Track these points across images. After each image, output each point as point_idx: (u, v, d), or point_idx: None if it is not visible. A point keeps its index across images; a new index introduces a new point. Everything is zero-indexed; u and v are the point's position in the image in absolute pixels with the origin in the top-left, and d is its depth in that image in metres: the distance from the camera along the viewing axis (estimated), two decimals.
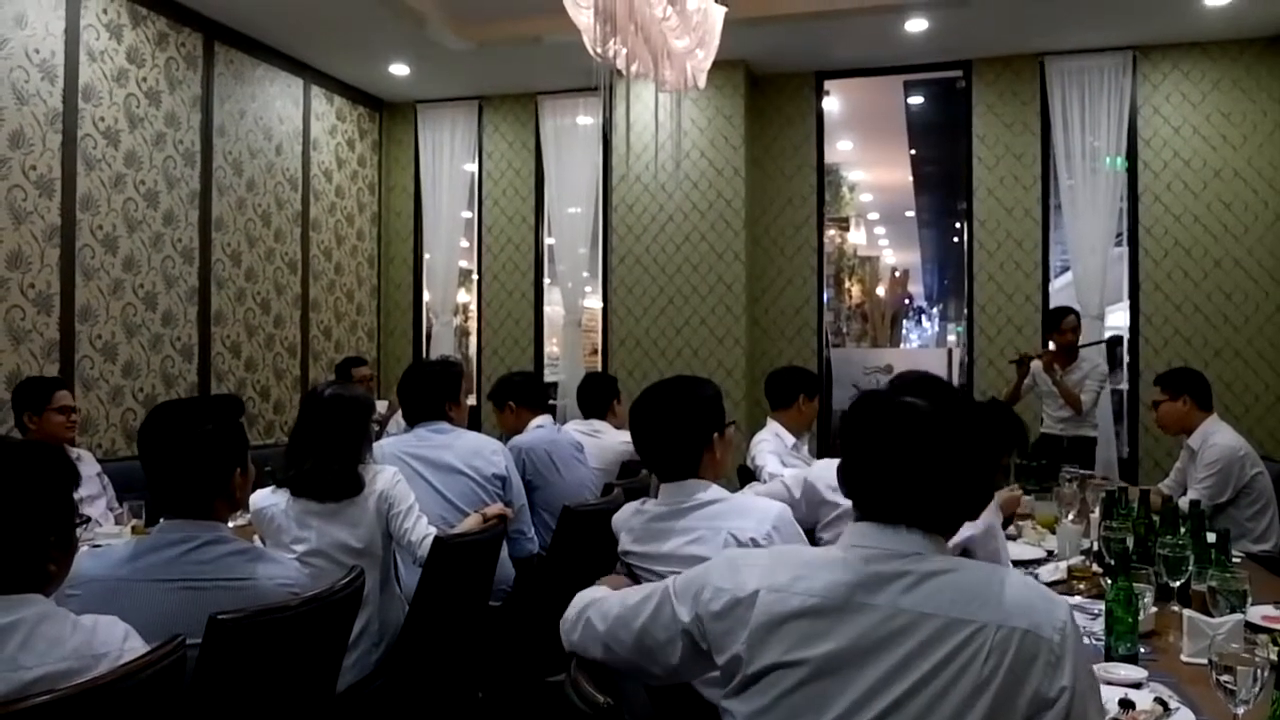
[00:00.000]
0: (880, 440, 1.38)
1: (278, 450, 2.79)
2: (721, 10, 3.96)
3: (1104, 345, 5.71)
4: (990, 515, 2.43)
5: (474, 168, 7.44)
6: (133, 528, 3.39)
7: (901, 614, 1.25)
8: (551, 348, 7.85)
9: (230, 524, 2.01)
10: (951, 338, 17.16)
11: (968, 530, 2.34)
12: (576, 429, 4.36)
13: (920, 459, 1.34)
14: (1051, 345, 5.38)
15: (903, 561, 1.30)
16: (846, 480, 1.42)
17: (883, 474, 1.36)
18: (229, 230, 5.96)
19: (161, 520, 1.94)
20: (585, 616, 1.56)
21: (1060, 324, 5.31)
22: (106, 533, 3.36)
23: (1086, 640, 2.13)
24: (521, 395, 4.11)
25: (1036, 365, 5.42)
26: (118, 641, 1.53)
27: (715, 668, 1.39)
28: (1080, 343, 5.39)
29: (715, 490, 2.19)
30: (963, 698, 1.20)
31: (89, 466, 3.91)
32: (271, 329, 6.36)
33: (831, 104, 7.71)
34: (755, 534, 2.07)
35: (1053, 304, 6.29)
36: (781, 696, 1.29)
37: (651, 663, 1.47)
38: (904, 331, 18.42)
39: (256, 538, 2.73)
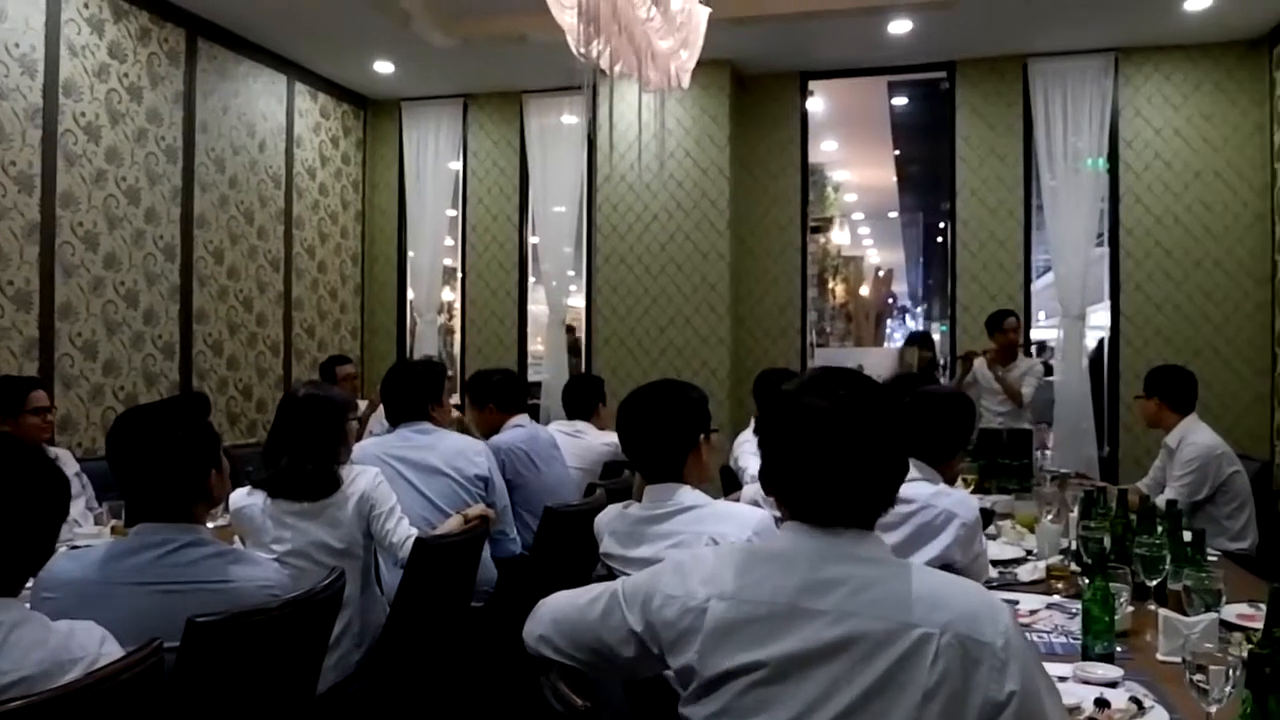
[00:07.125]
0: (789, 443, 1.37)
1: (260, 449, 2.77)
2: (705, 11, 3.96)
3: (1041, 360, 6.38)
4: (977, 543, 2.47)
5: (459, 166, 7.42)
6: (113, 528, 3.37)
7: (848, 619, 1.25)
8: (536, 346, 7.84)
9: (210, 525, 2.00)
10: (936, 336, 17.25)
11: (946, 541, 2.36)
12: (559, 429, 4.35)
13: (826, 460, 1.33)
14: (993, 345, 5.73)
15: (846, 566, 1.30)
16: (766, 483, 1.41)
17: (799, 476, 1.36)
18: (211, 228, 5.93)
19: (139, 523, 1.93)
20: (540, 618, 1.57)
21: (1003, 324, 5.71)
22: (86, 533, 3.35)
23: (1063, 639, 2.16)
24: (502, 398, 4.07)
25: (980, 363, 5.76)
26: (94, 645, 1.53)
27: (669, 668, 1.39)
28: (1019, 342, 5.87)
29: (698, 495, 2.21)
30: (913, 705, 1.19)
31: (68, 466, 3.87)
32: (254, 327, 6.33)
33: (816, 105, 7.73)
34: (736, 539, 2.07)
35: (1035, 304, 6.39)
36: (732, 700, 1.28)
37: (605, 662, 1.48)
38: (888, 331, 18.50)
39: (237, 539, 2.72)
